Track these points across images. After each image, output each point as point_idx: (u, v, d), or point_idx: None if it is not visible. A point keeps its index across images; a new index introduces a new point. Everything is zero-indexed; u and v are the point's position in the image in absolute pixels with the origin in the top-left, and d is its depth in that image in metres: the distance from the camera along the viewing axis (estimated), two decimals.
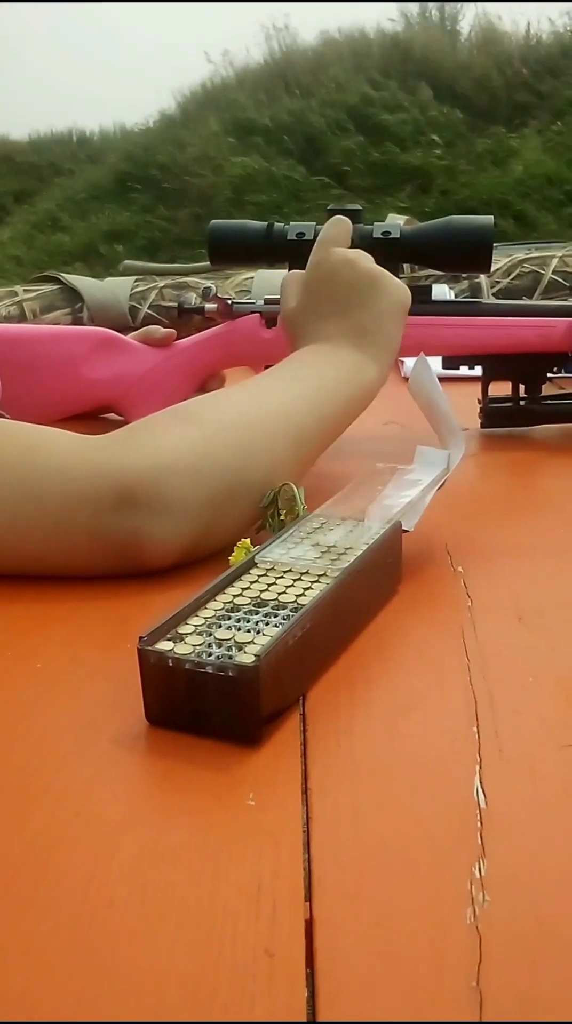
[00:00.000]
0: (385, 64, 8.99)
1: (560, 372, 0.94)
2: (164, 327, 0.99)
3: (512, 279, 1.44)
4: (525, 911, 0.31)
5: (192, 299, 1.05)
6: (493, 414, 0.95)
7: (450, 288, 1.39)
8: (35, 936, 0.30)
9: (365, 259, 0.76)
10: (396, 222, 0.97)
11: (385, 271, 0.76)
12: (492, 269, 1.28)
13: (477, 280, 1.43)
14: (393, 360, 0.76)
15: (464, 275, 1.43)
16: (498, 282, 1.44)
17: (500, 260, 1.46)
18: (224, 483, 0.61)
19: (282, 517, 0.56)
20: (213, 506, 0.60)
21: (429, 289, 0.97)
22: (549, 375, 0.95)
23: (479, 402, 0.95)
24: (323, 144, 8.46)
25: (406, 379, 1.17)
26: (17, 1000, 0.28)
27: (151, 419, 0.64)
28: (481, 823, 0.35)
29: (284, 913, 0.31)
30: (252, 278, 1.52)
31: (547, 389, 0.96)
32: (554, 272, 1.45)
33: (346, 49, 9.39)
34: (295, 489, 0.56)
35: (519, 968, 0.28)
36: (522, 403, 0.95)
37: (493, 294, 1.43)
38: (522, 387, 0.95)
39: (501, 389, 0.95)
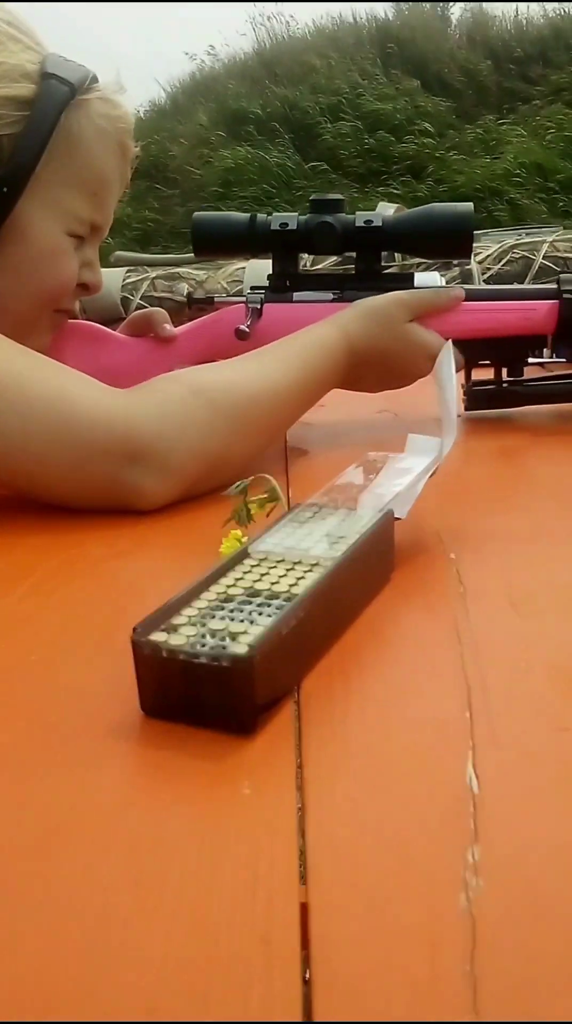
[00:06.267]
0: (374, 50, 8.96)
1: (543, 355, 0.95)
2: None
3: (503, 265, 1.44)
4: (518, 895, 0.31)
5: (183, 289, 1.05)
6: (476, 396, 0.96)
7: (441, 275, 1.39)
8: (29, 926, 0.31)
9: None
10: (385, 211, 0.97)
11: None
12: (483, 256, 1.28)
13: (468, 267, 1.43)
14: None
15: (455, 262, 1.43)
16: (489, 268, 1.44)
17: (491, 246, 1.46)
18: (217, 453, 0.73)
19: (251, 510, 0.55)
20: (208, 468, 0.72)
21: (411, 276, 0.97)
22: (531, 358, 0.95)
23: (462, 386, 0.95)
24: (317, 131, 8.44)
25: None
26: (12, 989, 0.28)
27: (159, 384, 0.74)
28: (474, 808, 0.35)
29: (279, 901, 0.31)
30: (244, 268, 1.52)
31: (531, 372, 0.97)
32: (544, 257, 1.45)
33: (337, 36, 9.36)
34: (273, 481, 0.56)
35: (513, 952, 0.29)
36: (505, 385, 0.96)
37: (484, 280, 1.43)
38: (504, 370, 0.96)
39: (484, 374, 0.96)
